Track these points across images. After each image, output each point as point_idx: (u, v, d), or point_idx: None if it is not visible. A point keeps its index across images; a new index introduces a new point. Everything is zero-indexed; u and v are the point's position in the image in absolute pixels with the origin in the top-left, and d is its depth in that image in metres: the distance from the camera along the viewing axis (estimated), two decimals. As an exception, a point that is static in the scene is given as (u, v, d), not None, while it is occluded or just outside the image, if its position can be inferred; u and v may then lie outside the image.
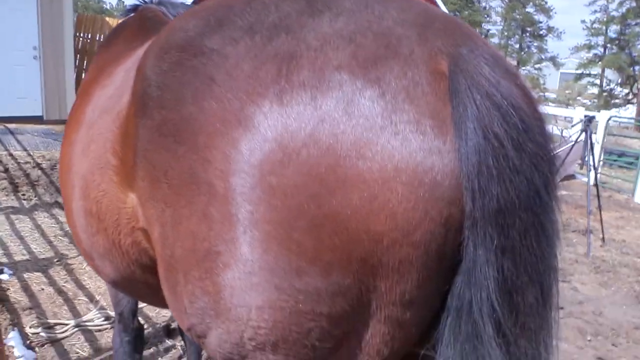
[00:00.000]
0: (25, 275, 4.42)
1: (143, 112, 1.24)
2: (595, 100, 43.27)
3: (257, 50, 1.08)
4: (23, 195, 6.56)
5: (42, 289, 4.24)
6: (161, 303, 1.63)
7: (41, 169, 7.57)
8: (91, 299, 4.15)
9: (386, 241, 0.98)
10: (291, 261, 1.00)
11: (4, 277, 4.35)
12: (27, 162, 7.78)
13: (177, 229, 1.13)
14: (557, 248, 1.08)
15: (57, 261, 4.78)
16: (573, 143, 7.88)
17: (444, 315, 1.06)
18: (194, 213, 1.09)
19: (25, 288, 4.21)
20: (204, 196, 1.07)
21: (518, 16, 57.83)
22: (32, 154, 8.27)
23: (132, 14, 2.57)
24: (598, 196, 7.20)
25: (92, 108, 1.68)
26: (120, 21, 2.66)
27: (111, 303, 2.48)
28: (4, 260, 4.67)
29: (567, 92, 39.86)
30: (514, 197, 0.98)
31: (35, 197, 6.53)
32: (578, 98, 38.71)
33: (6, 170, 7.31)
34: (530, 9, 58.60)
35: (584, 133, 7.17)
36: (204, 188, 1.07)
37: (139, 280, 1.64)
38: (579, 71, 49.88)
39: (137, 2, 2.65)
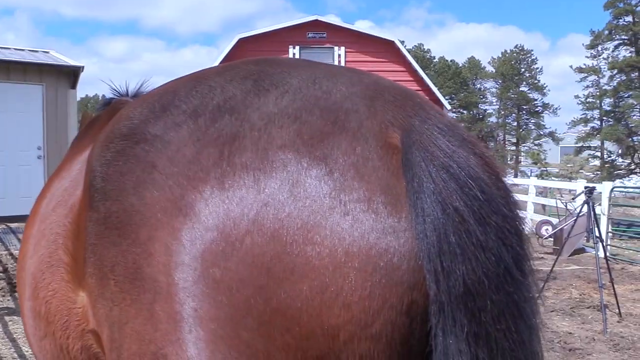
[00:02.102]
0: (14, 381, 4.22)
1: (90, 205, 1.18)
2: (598, 172, 43.49)
3: (200, 134, 1.04)
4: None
5: (30, 395, 4.02)
6: None
7: (40, 267, 7.48)
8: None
9: (343, 335, 0.89)
10: None
11: (-9, 383, 4.15)
12: (26, 261, 7.71)
13: (124, 330, 1.04)
14: (538, 330, 0.97)
15: (48, 364, 4.58)
16: (576, 216, 7.77)
17: None
18: (139, 312, 1.01)
19: (13, 395, 4.00)
20: (149, 293, 0.99)
21: (513, 95, 59.56)
22: (32, 252, 8.22)
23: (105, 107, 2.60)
24: (609, 269, 6.99)
25: (47, 201, 1.63)
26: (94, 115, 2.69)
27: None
28: (-7, 365, 4.48)
29: (568, 165, 40.17)
30: (482, 277, 0.89)
31: (31, 296, 6.40)
32: (580, 171, 38.92)
33: (5, 270, 7.23)
34: (524, 88, 60.46)
35: (586, 205, 7.08)
36: (149, 284, 1.00)
37: None
38: (579, 145, 50.56)
39: (113, 95, 2.69)
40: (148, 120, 1.15)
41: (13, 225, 10.26)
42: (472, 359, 0.89)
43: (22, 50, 12.30)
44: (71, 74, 11.46)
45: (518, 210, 0.99)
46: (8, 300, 6.24)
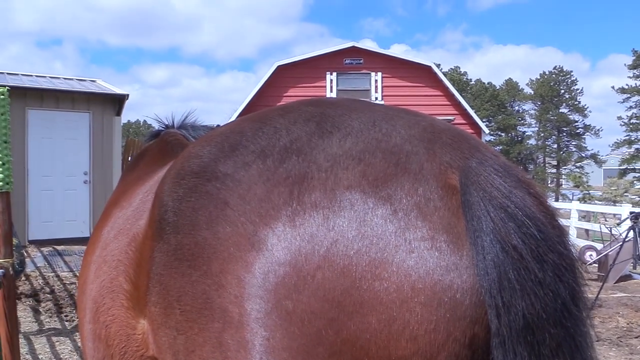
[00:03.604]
0: (61, 401, 4.34)
1: (160, 237, 1.24)
2: (644, 196, 41.98)
3: (269, 174, 1.10)
4: (66, 316, 6.62)
5: (76, 415, 4.12)
6: None
7: (85, 289, 7.68)
8: None
9: None
10: None
11: (40, 402, 4.27)
12: (72, 283, 7.93)
13: (191, 357, 1.10)
14: None
15: (93, 385, 4.69)
16: (622, 241, 7.54)
17: None
18: (207, 340, 1.06)
19: (60, 414, 4.11)
20: (217, 323, 1.05)
21: (552, 117, 58.43)
22: (77, 274, 8.46)
23: (155, 139, 2.70)
24: (658, 297, 6.74)
25: (108, 229, 1.71)
26: (144, 146, 2.81)
27: None
28: (42, 384, 4.61)
29: (612, 189, 38.94)
30: (540, 312, 0.93)
31: (77, 318, 6.58)
32: (625, 194, 37.67)
33: (52, 292, 7.46)
34: (564, 110, 59.27)
35: (632, 231, 6.88)
36: (218, 314, 1.05)
37: None
38: (623, 167, 49.09)
39: (161, 127, 2.81)
40: (218, 159, 1.21)
41: (59, 247, 10.61)
42: None
43: (71, 79, 12.85)
44: (116, 102, 11.88)
45: (573, 249, 1.02)
46: (55, 321, 6.43)
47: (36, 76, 12.40)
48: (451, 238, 0.96)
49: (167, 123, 2.78)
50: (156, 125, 2.86)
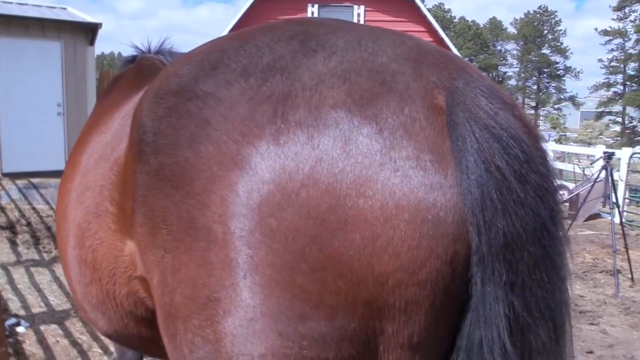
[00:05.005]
0: (42, 328, 4.42)
1: (140, 158, 1.23)
2: (619, 138, 42.79)
3: (252, 92, 1.08)
4: (44, 248, 6.64)
5: (58, 341, 4.21)
6: (159, 354, 1.58)
7: (62, 221, 7.66)
8: (105, 350, 4.10)
9: (391, 282, 0.96)
10: (294, 306, 0.98)
11: (21, 329, 4.35)
12: (49, 216, 7.91)
13: (177, 276, 1.11)
14: (567, 281, 1.05)
15: (74, 313, 4.77)
16: (594, 181, 7.73)
17: (453, 356, 1.03)
18: (193, 259, 1.07)
19: (41, 340, 4.19)
20: (202, 242, 1.05)
21: (534, 58, 58.25)
22: (54, 207, 8.42)
23: (130, 65, 2.62)
24: (624, 235, 6.99)
25: (87, 155, 1.68)
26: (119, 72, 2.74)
27: (116, 355, 2.44)
28: (22, 312, 4.68)
29: (588, 131, 39.53)
30: (520, 231, 0.96)
31: (55, 249, 6.60)
32: (600, 137, 38.32)
33: (29, 224, 7.44)
34: (546, 51, 59.05)
35: (604, 170, 7.03)
36: (203, 233, 1.05)
37: (133, 333, 1.60)
38: (600, 110, 49.64)
39: (134, 53, 2.72)
40: (198, 77, 1.18)
41: (35, 180, 10.48)
42: (507, 305, 0.96)
43: (40, 6, 12.24)
44: (89, 31, 11.40)
45: (553, 171, 1.04)
46: (32, 252, 6.45)
47: (2, 2, 11.80)
48: (436, 157, 0.97)
49: (142, 49, 2.69)
50: (132, 53, 2.77)
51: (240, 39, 1.23)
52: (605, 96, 51.05)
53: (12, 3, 11.81)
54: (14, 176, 10.49)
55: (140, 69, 2.36)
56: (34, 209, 8.24)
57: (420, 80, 1.03)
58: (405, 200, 0.94)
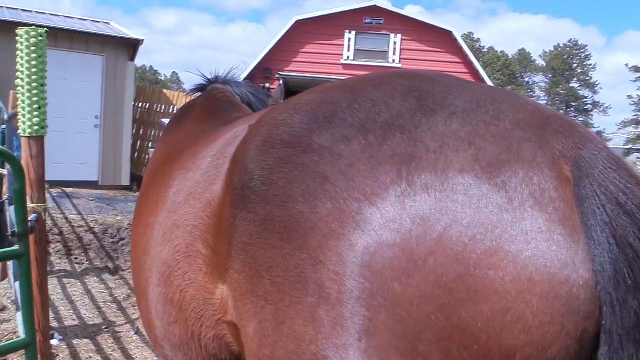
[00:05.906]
0: (75, 342, 4.43)
1: (244, 205, 1.22)
2: (647, 177, 41.94)
3: (373, 150, 1.06)
4: (75, 259, 6.70)
5: (90, 357, 4.22)
6: None
7: (94, 233, 7.75)
8: (138, 370, 4.09)
9: (519, 357, 0.93)
10: None
11: (54, 342, 4.37)
12: (80, 226, 8.00)
13: (280, 329, 1.09)
14: None
15: (106, 328, 4.78)
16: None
17: None
18: (299, 314, 1.06)
19: (74, 355, 4.20)
20: (312, 297, 1.04)
21: (562, 91, 57.82)
22: (85, 218, 8.52)
23: (198, 93, 2.65)
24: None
25: (174, 191, 1.66)
26: (187, 100, 2.77)
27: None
28: (55, 324, 4.70)
29: (616, 168, 38.76)
30: None
31: (86, 261, 6.66)
32: (628, 174, 37.56)
33: (61, 234, 7.52)
34: (574, 84, 58.59)
35: None
36: (313, 289, 1.04)
37: None
38: (628, 147, 48.89)
39: (202, 81, 2.75)
40: (312, 129, 1.17)
41: (68, 190, 10.64)
42: None
43: (85, 20, 12.58)
44: (131, 47, 11.64)
45: None
46: (65, 263, 6.51)
47: (50, 14, 12.14)
48: (567, 231, 0.94)
49: (210, 78, 2.73)
50: (198, 79, 2.80)
51: (351, 91, 1.21)
52: (633, 133, 50.34)
53: (59, 15, 12.16)
54: (48, 184, 10.66)
55: (212, 100, 2.38)
56: (66, 218, 8.34)
57: (547, 149, 1.01)
58: (539, 275, 0.92)
